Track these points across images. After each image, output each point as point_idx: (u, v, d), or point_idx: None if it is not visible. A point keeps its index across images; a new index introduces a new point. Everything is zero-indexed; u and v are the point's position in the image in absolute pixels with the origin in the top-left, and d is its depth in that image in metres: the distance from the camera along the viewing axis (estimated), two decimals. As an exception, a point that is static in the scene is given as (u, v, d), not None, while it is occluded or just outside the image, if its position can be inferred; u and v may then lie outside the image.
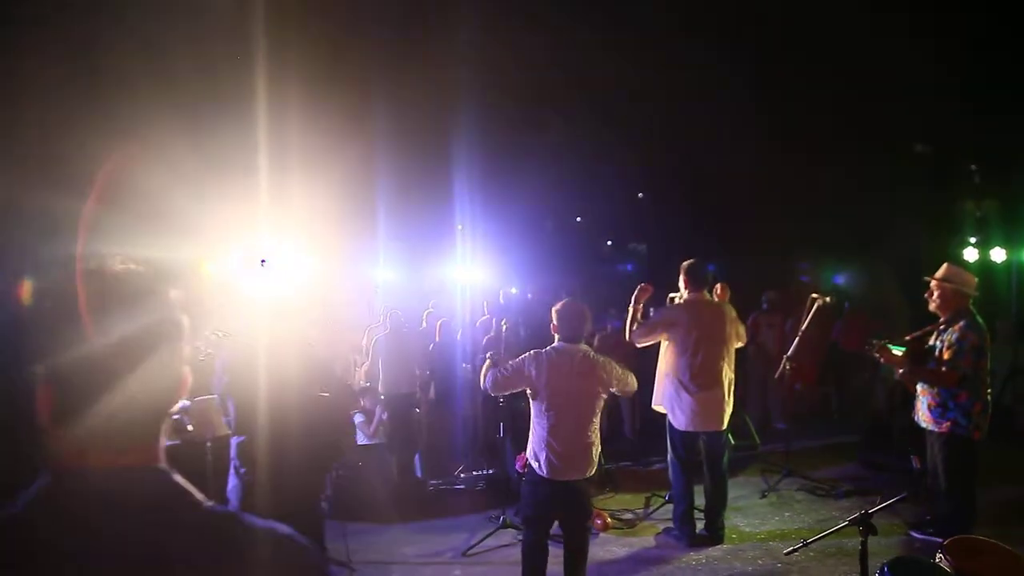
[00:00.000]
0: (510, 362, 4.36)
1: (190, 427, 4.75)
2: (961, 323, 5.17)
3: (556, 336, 4.36)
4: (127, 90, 8.17)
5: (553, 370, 4.25)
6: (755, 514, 6.29)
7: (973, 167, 11.49)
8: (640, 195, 28.54)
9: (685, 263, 5.75)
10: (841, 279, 12.94)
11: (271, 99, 8.37)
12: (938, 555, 3.19)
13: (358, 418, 7.45)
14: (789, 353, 6.77)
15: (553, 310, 4.40)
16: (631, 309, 5.72)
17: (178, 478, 1.17)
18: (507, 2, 13.59)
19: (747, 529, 5.97)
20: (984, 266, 8.77)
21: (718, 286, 5.83)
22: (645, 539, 5.90)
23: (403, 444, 7.78)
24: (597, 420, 4.35)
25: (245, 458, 4.28)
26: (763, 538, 5.79)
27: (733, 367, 5.74)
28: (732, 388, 5.73)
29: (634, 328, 5.66)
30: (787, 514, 6.29)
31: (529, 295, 14.66)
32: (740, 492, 6.75)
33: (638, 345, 5.79)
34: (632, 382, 4.45)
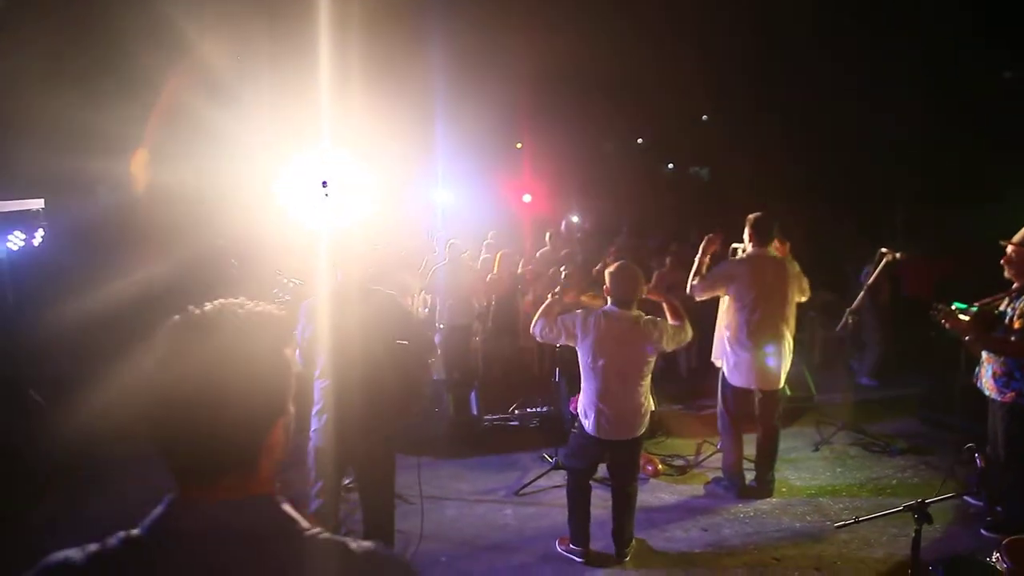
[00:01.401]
0: (560, 317, 4.42)
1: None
2: (1036, 291, 4.99)
3: (608, 299, 4.39)
4: (181, 12, 8.21)
5: (601, 335, 4.30)
6: (807, 468, 6.31)
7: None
8: (704, 117, 27.77)
9: (751, 216, 5.63)
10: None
11: (330, 20, 8.27)
12: (995, 554, 3.18)
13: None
14: (853, 306, 6.65)
15: (607, 272, 4.42)
16: (697, 260, 5.65)
17: (286, 507, 1.22)
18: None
19: (798, 483, 6.01)
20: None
21: (776, 242, 5.69)
22: (695, 487, 6.00)
23: (461, 377, 7.97)
24: (647, 381, 4.40)
25: (329, 402, 4.38)
26: (813, 493, 5.83)
27: (794, 325, 5.67)
28: (791, 346, 5.68)
29: (695, 282, 5.62)
30: (839, 470, 6.29)
31: (586, 225, 14.50)
32: (793, 444, 6.77)
33: (698, 299, 5.75)
34: (686, 334, 4.51)
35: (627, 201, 18.47)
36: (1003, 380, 5.14)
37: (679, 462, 6.42)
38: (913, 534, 3.20)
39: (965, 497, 5.68)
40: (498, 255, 9.71)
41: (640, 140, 32.04)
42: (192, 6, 8.37)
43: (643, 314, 4.42)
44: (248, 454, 1.20)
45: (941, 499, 3.30)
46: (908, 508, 3.22)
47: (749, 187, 18.23)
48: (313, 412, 4.31)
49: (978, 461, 3.51)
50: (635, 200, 18.92)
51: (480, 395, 7.08)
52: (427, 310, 9.49)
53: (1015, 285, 5.16)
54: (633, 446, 4.50)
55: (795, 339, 5.84)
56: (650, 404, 4.50)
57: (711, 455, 6.41)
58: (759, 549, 4.96)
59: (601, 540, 4.93)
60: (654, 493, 5.87)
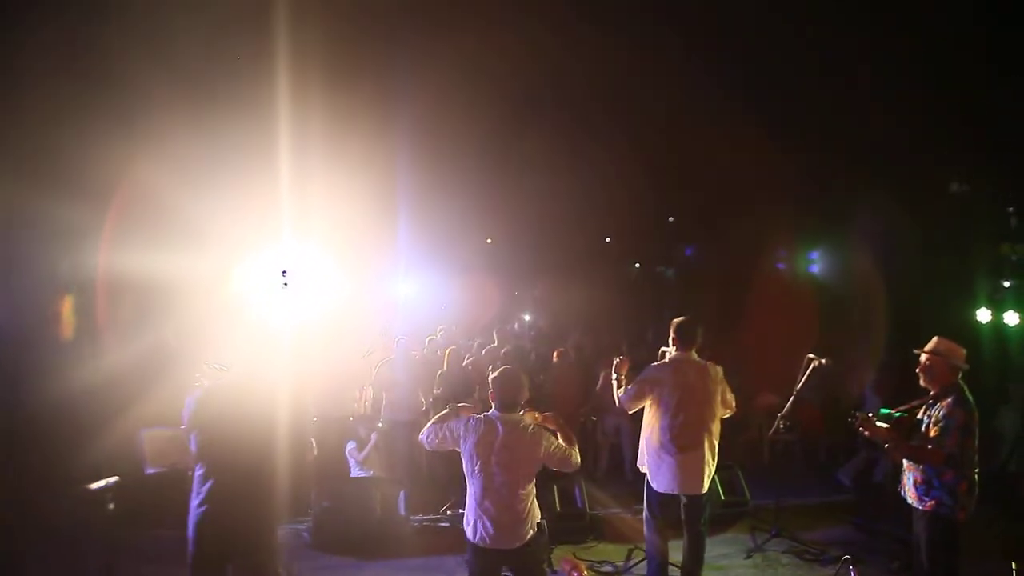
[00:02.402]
0: (446, 424, 4.38)
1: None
2: (949, 399, 5.04)
3: (492, 404, 4.38)
4: (142, 99, 8.34)
5: (480, 438, 4.26)
6: (737, 575, 6.19)
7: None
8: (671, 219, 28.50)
9: (675, 320, 5.69)
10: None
11: (292, 106, 8.43)
12: None
13: (350, 445, 7.50)
14: (783, 412, 6.67)
15: (489, 379, 4.42)
16: (614, 380, 5.73)
17: None
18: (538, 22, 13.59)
19: (725, 591, 5.88)
20: (997, 329, 8.59)
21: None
22: (620, 595, 5.85)
23: (404, 473, 7.81)
24: (530, 487, 4.34)
25: (203, 489, 4.28)
26: (741, 605, 5.71)
27: (717, 430, 5.64)
28: (715, 450, 5.63)
29: (620, 394, 5.64)
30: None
31: (540, 323, 14.56)
32: (725, 550, 6.67)
33: (629, 411, 5.74)
34: (573, 459, 4.39)
35: (588, 300, 18.65)
36: (923, 488, 5.14)
37: (607, 568, 6.28)
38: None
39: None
40: (447, 351, 9.70)
41: (608, 239, 32.62)
42: (151, 95, 8.50)
43: (530, 422, 4.38)
44: None
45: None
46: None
47: (713, 288, 18.54)
48: (193, 504, 4.20)
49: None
50: (596, 299, 19.13)
51: (409, 495, 6.94)
52: (369, 404, 9.41)
53: (932, 392, 5.24)
54: (522, 555, 4.37)
55: (732, 442, 5.83)
56: (535, 513, 4.39)
57: (639, 561, 6.28)
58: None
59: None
60: (578, 600, 5.71)
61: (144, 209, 8.56)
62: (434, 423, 4.44)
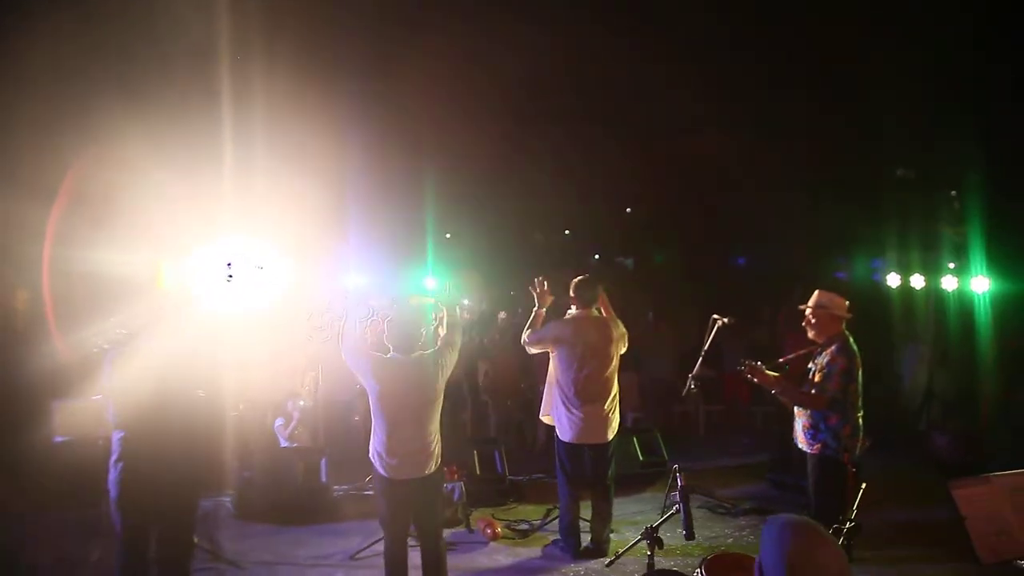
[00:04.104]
0: (350, 362, 4.58)
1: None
2: (833, 347, 5.28)
3: (390, 346, 4.57)
4: (91, 90, 8.35)
5: (385, 376, 4.47)
6: (650, 529, 6.38)
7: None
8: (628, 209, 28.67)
9: (574, 280, 5.90)
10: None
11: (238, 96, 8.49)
12: (696, 571, 3.32)
13: (278, 421, 7.61)
14: (693, 373, 6.86)
15: (386, 322, 4.61)
16: (534, 312, 5.97)
17: None
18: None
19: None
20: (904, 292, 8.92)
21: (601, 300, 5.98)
22: (533, 550, 6.02)
23: (342, 449, 7.93)
24: (435, 422, 4.56)
25: (124, 453, 4.38)
26: (645, 553, 5.88)
27: (617, 382, 5.86)
28: (617, 402, 5.85)
29: (528, 333, 5.89)
30: (680, 531, 6.34)
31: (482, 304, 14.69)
32: (641, 507, 6.88)
33: (530, 351, 5.99)
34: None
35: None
36: (811, 433, 5.37)
37: (523, 526, 6.45)
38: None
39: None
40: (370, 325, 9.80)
41: (567, 231, 32.78)
42: (99, 88, 8.50)
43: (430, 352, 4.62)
44: None
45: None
46: (643, 536, 3.36)
47: (672, 275, 18.77)
48: (111, 462, 4.29)
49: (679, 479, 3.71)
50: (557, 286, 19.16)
51: (339, 467, 7.07)
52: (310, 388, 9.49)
53: (820, 343, 5.48)
54: (429, 487, 4.57)
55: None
56: (439, 445, 4.61)
57: (554, 518, 6.45)
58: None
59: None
60: (491, 556, 5.89)
61: (89, 203, 8.58)
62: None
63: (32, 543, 5.82)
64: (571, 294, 5.86)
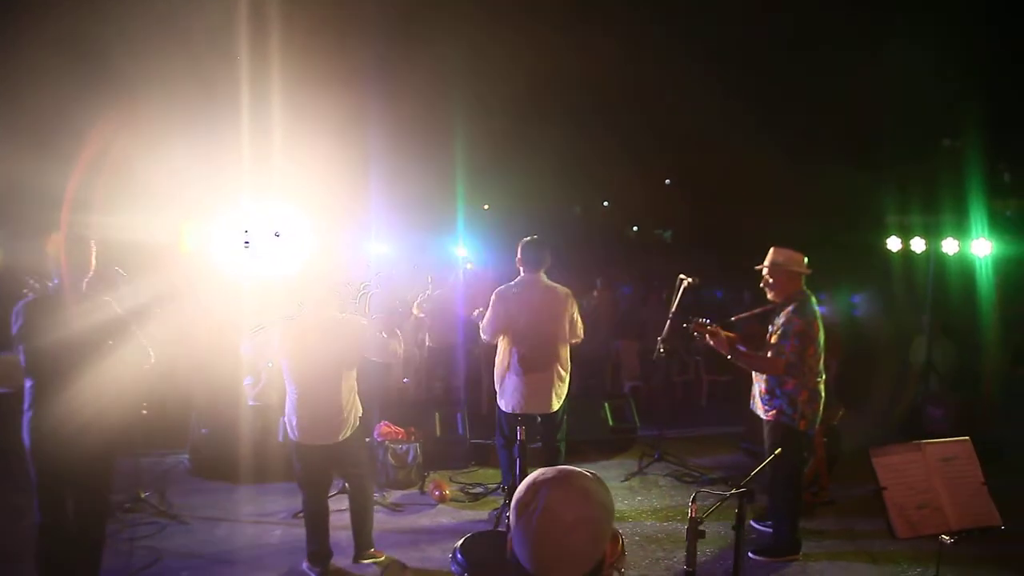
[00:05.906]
0: (259, 335, 4.46)
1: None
2: (790, 307, 4.97)
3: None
4: (110, 56, 8.32)
5: (290, 339, 4.33)
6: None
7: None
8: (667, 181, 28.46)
9: (521, 241, 5.58)
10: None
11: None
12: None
13: (247, 380, 7.52)
14: (663, 335, 6.59)
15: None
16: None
17: None
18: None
19: (587, 510, 5.87)
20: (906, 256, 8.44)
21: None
22: (480, 513, 5.86)
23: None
24: (345, 387, 4.40)
25: (32, 401, 4.30)
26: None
27: (567, 352, 5.55)
28: (567, 370, 5.54)
29: (481, 328, 5.59)
30: (639, 498, 6.17)
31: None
32: (607, 474, 6.62)
33: (490, 342, 5.63)
34: (395, 346, 4.48)
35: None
36: (767, 398, 5.10)
37: (478, 489, 6.28)
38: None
39: (752, 522, 5.58)
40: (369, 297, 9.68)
41: (606, 203, 32.55)
42: (117, 56, 8.45)
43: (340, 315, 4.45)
44: None
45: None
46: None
47: (710, 246, 18.58)
48: (25, 416, 4.21)
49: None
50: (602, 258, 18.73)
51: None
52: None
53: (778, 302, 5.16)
54: (344, 448, 4.48)
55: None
56: (357, 407, 4.47)
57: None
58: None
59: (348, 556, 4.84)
60: (435, 518, 5.75)
61: (109, 170, 8.55)
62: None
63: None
64: (518, 256, 5.52)
